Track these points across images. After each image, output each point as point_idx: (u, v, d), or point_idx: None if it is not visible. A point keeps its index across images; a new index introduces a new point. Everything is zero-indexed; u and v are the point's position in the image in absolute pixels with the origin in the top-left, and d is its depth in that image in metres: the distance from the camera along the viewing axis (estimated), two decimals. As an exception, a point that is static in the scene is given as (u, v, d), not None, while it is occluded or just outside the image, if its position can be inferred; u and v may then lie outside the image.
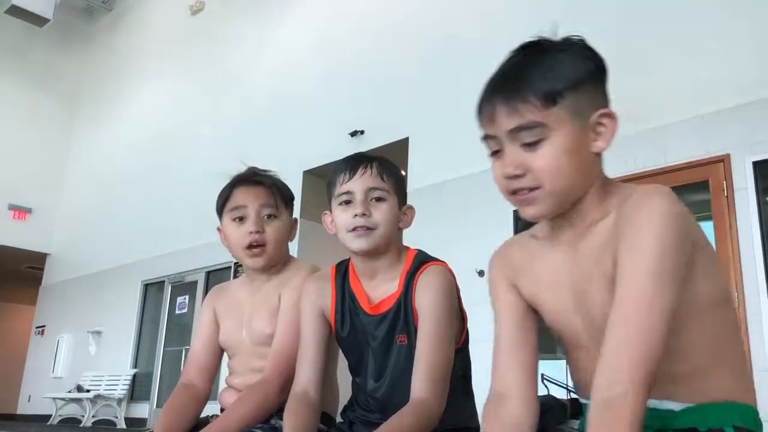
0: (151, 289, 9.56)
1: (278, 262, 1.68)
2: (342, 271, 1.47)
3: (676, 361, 0.92)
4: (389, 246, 1.40)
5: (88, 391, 9.12)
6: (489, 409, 1.04)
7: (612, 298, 0.91)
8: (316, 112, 7.48)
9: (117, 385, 9.01)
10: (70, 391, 9.39)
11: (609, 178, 1.03)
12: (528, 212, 0.98)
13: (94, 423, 8.91)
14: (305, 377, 1.43)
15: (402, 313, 1.37)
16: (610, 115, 0.97)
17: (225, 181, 1.74)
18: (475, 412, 1.39)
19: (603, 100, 0.99)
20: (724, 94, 4.43)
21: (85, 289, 10.56)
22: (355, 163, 1.40)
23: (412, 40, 6.73)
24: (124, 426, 8.69)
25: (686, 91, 4.62)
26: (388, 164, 1.44)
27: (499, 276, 1.11)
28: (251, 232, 1.62)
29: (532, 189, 0.95)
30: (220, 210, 1.71)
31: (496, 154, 0.98)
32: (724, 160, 4.32)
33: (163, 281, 9.21)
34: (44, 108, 12.22)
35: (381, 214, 1.37)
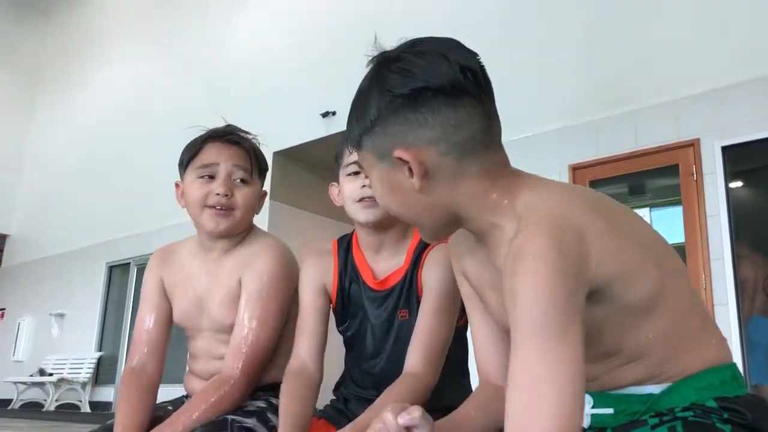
0: (116, 271, 9.39)
1: (241, 232, 1.52)
2: (345, 245, 1.43)
3: (641, 357, 0.88)
4: (397, 219, 1.35)
5: (50, 374, 8.94)
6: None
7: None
8: (287, 92, 7.34)
9: (81, 368, 8.85)
10: (32, 375, 9.20)
11: (496, 181, 0.88)
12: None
13: (57, 407, 8.76)
14: (305, 349, 1.35)
15: (407, 288, 1.34)
16: (403, 159, 0.86)
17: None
18: (470, 391, 1.37)
19: (413, 134, 0.85)
20: (695, 79, 4.47)
21: (47, 271, 10.31)
22: None
23: (385, 20, 6.62)
24: (88, 410, 8.56)
25: (658, 76, 4.65)
26: None
27: (454, 264, 1.10)
28: (218, 194, 1.45)
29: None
30: (186, 163, 1.51)
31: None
32: (694, 145, 4.36)
33: (129, 263, 9.04)
34: (1, 84, 11.78)
35: None
